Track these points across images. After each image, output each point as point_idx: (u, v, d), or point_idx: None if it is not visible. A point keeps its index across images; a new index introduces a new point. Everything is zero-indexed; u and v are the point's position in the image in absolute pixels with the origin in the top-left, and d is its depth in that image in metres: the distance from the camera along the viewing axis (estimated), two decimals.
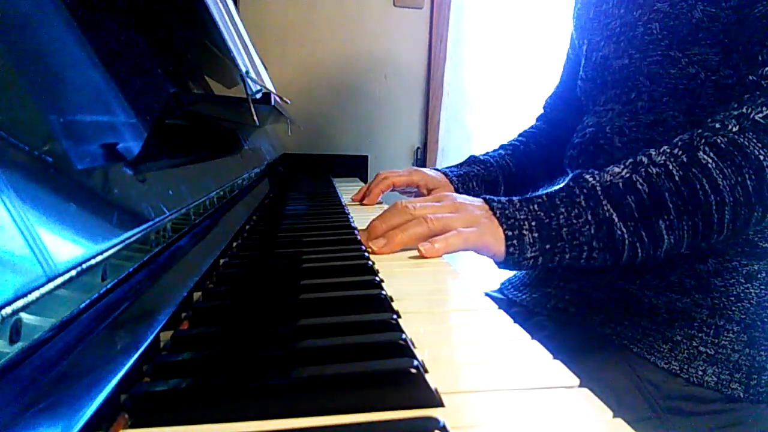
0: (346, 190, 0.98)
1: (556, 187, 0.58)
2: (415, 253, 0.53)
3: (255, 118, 0.66)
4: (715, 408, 0.60)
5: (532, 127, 1.02)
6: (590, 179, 0.56)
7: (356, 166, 1.56)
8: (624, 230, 0.54)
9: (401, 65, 1.79)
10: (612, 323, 0.66)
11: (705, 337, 0.62)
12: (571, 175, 0.58)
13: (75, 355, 0.24)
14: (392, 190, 0.91)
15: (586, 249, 0.54)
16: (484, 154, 0.96)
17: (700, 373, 0.60)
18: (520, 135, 1.00)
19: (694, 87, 0.64)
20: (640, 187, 0.54)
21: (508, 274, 0.89)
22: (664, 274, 0.65)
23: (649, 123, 0.68)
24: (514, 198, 0.57)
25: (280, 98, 0.88)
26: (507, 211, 0.55)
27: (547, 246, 0.54)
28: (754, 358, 0.61)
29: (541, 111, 1.03)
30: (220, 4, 0.75)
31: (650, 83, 0.68)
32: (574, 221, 0.54)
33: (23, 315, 0.21)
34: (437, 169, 0.92)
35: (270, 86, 0.90)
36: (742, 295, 0.62)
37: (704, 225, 0.54)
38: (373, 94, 1.79)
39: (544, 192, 0.57)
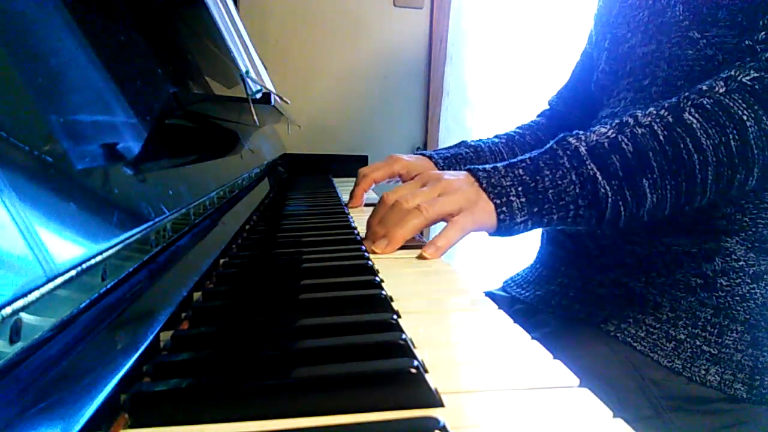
0: (346, 190, 0.98)
1: (540, 150, 0.58)
2: (416, 253, 0.53)
3: (255, 118, 0.66)
4: (717, 407, 0.60)
5: (531, 121, 1.01)
6: (573, 141, 0.57)
7: (356, 166, 1.55)
8: (608, 188, 0.55)
9: (401, 65, 1.79)
10: (616, 321, 0.66)
11: (709, 337, 0.62)
12: (555, 139, 0.59)
13: (75, 355, 0.24)
14: (376, 185, 0.88)
15: (573, 207, 0.55)
16: (477, 141, 0.94)
17: (703, 372, 0.60)
18: (518, 127, 0.99)
19: (710, 70, 0.64)
20: (624, 146, 0.55)
21: (510, 272, 0.89)
22: (670, 273, 0.65)
23: None
24: (498, 165, 0.57)
25: (280, 98, 0.88)
26: (493, 180, 0.55)
27: (535, 209, 0.55)
28: (757, 358, 0.61)
29: (547, 107, 1.02)
30: (220, 4, 0.75)
31: (668, 67, 0.68)
32: (559, 182, 0.55)
33: (23, 315, 0.21)
34: (422, 153, 0.90)
35: (270, 86, 0.89)
36: (747, 295, 0.62)
37: (687, 184, 0.55)
38: (373, 94, 1.79)
39: (528, 155, 0.58)
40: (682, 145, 0.54)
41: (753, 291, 0.62)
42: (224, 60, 0.66)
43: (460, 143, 0.93)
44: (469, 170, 0.58)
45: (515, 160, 0.58)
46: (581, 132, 0.58)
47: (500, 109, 1.87)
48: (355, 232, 0.61)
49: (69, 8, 0.37)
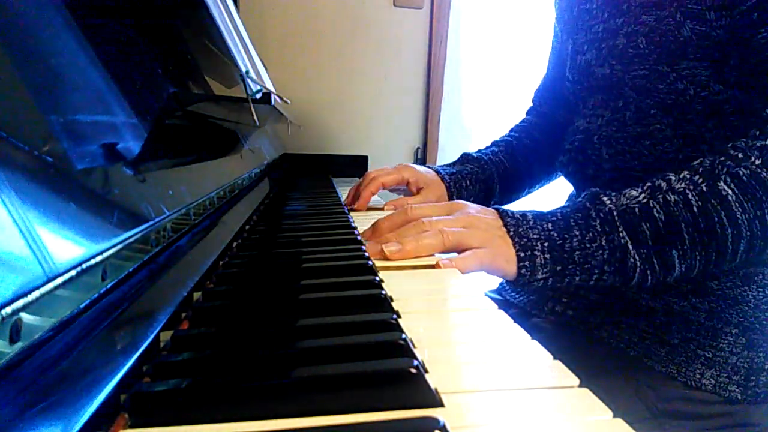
0: (346, 190, 0.98)
1: (572, 206, 0.57)
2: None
3: (255, 118, 0.66)
4: (712, 411, 0.60)
5: (523, 121, 1.00)
6: (607, 202, 0.55)
7: (356, 166, 1.56)
8: (637, 257, 0.53)
9: (401, 65, 1.79)
10: (609, 326, 0.66)
11: (703, 340, 0.62)
12: (587, 195, 0.58)
13: (75, 355, 0.24)
14: (382, 190, 0.87)
15: (597, 272, 0.54)
16: (477, 152, 0.93)
17: (698, 376, 0.60)
18: (512, 130, 0.98)
19: (683, 102, 0.63)
20: (656, 214, 0.54)
21: None
22: None
23: (636, 135, 0.67)
24: (528, 213, 0.56)
25: (280, 98, 0.88)
26: (520, 229, 0.54)
27: (558, 268, 0.53)
28: (752, 360, 0.61)
29: (531, 104, 1.02)
30: (220, 4, 0.75)
31: (637, 95, 0.67)
32: (588, 245, 0.53)
33: (23, 315, 0.21)
34: (429, 167, 0.88)
35: (270, 86, 0.89)
36: (739, 297, 0.62)
37: (717, 255, 0.54)
38: (373, 94, 1.79)
39: (559, 210, 0.56)
40: (716, 219, 0.52)
41: (745, 293, 0.62)
42: (224, 60, 0.66)
43: (462, 159, 0.91)
44: (497, 211, 0.56)
45: (545, 212, 0.56)
46: (614, 193, 0.57)
47: (500, 108, 1.87)
48: (356, 232, 0.61)
49: (69, 8, 0.37)
